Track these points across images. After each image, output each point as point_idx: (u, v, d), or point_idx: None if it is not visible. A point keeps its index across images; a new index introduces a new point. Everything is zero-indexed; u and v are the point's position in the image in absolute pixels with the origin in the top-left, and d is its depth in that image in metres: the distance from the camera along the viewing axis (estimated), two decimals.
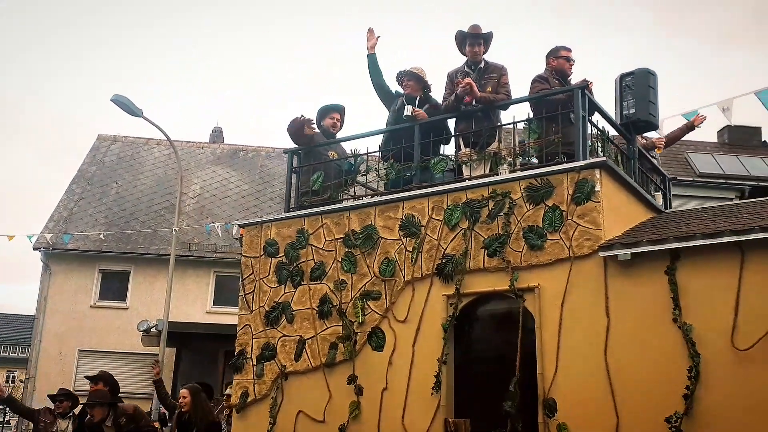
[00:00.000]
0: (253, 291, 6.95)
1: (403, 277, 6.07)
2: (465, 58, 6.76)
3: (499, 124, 6.33)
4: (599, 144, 6.02)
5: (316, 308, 6.49)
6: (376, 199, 6.49)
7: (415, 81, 7.08)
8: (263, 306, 6.84)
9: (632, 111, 6.61)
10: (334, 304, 6.39)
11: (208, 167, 23.10)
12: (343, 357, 6.20)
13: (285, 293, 6.74)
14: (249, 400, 6.63)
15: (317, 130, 7.26)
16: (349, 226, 6.51)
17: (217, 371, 17.02)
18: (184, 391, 7.18)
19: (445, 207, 5.99)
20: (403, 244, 6.16)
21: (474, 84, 6.22)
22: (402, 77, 7.17)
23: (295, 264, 6.74)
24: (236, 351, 6.90)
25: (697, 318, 4.68)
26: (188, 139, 24.92)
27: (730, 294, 4.60)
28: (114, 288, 19.75)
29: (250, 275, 7.03)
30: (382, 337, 6.06)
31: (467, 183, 5.97)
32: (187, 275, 19.21)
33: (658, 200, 6.66)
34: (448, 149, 7.06)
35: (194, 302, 19.20)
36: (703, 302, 4.69)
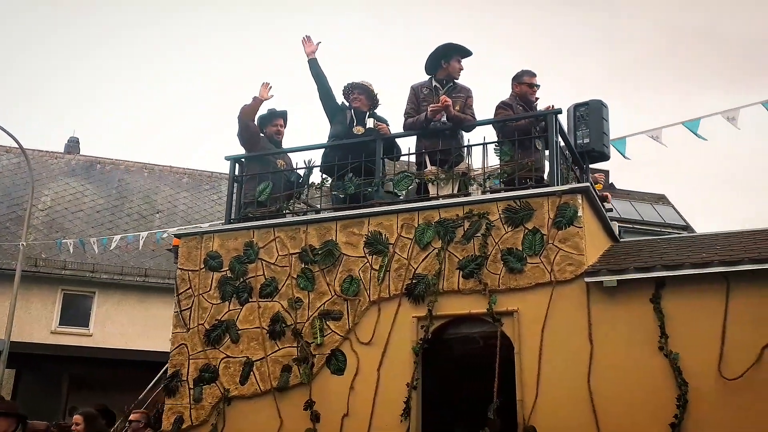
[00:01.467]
0: (191, 307, 6.36)
1: (368, 296, 5.77)
2: (428, 75, 6.63)
3: (467, 143, 6.22)
4: (568, 171, 6.06)
5: (267, 327, 6.03)
6: (338, 213, 6.16)
7: (366, 95, 6.86)
8: (203, 324, 6.27)
9: (586, 141, 6.74)
10: (288, 323, 5.96)
11: (61, 179, 21.63)
12: (298, 381, 5.78)
13: (229, 311, 6.22)
14: (184, 426, 6.01)
15: (272, 95, 6.81)
16: (307, 241, 6.13)
17: (60, 395, 16.13)
18: (77, 417, 6.40)
19: (416, 225, 5.78)
20: (368, 261, 5.86)
21: (450, 102, 6.09)
22: (352, 90, 6.93)
23: (242, 279, 6.25)
24: (169, 372, 6.27)
25: (684, 346, 4.74)
26: (41, 147, 23.23)
27: (716, 322, 4.70)
28: None
29: (186, 290, 6.43)
30: (343, 360, 5.70)
31: (441, 201, 5.80)
32: (32, 292, 17.55)
33: (615, 229, 6.81)
34: (396, 166, 6.89)
35: (38, 321, 17.63)
36: (689, 331, 4.76)
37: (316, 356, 5.78)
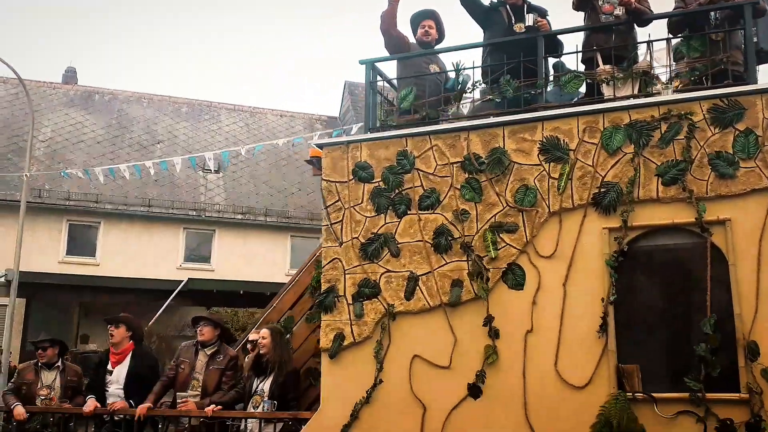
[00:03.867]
0: (341, 220, 6.00)
1: (548, 207, 5.37)
2: None
3: (649, 39, 5.65)
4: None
5: (431, 241, 5.67)
6: (505, 118, 5.67)
7: None
8: (357, 237, 5.92)
9: (754, 40, 6.15)
10: (455, 236, 5.60)
11: (61, 110, 21.54)
12: (471, 296, 5.47)
13: (386, 223, 5.85)
14: (346, 343, 5.76)
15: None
16: (469, 149, 5.68)
17: (71, 323, 16.62)
18: (264, 331, 6.23)
19: (602, 129, 5.30)
20: (545, 169, 5.43)
21: None
22: None
23: (397, 191, 5.85)
24: (323, 288, 5.97)
25: None
26: (38, 78, 23.31)
27: None
28: None
29: (335, 202, 6.05)
30: (522, 275, 5.36)
31: (631, 102, 5.29)
32: (38, 223, 17.78)
33: None
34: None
35: (45, 252, 17.87)
36: None
37: (491, 270, 5.45)
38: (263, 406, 5.99)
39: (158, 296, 16.51)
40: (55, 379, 6.58)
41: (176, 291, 16.50)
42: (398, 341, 5.63)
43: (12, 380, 6.98)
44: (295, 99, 54.83)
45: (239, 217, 20.60)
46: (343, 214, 6.00)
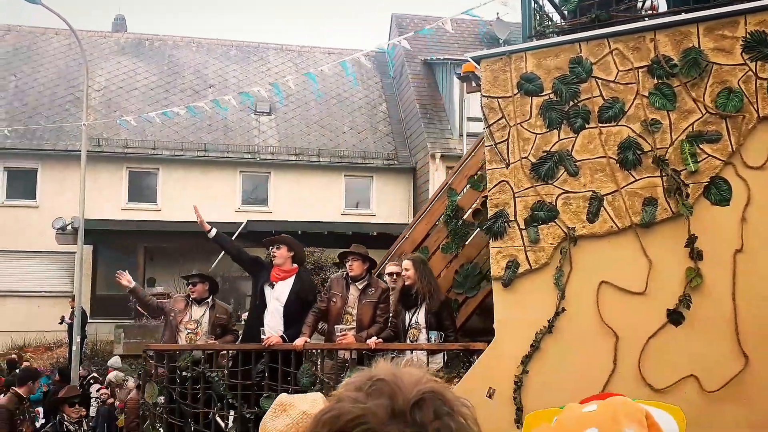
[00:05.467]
0: (507, 139, 5.49)
1: (756, 112, 4.80)
2: None
3: None
4: None
5: (615, 156, 5.16)
6: (698, 14, 5.05)
7: None
8: (526, 157, 5.42)
9: None
10: (645, 150, 5.07)
11: (113, 58, 21.79)
12: (666, 215, 4.97)
13: (560, 140, 5.34)
14: (521, 270, 5.33)
15: None
16: (657, 50, 5.09)
17: (137, 267, 16.96)
18: (406, 263, 5.86)
19: None
20: (750, 69, 4.84)
21: None
22: None
23: (572, 103, 5.31)
24: (490, 213, 5.52)
25: None
26: (88, 28, 23.78)
27: None
28: (22, 186, 18.81)
29: (498, 120, 5.53)
30: (727, 189, 4.84)
31: None
32: (98, 171, 18.24)
33: None
34: None
35: (108, 199, 18.30)
36: None
37: (690, 186, 4.93)
38: (431, 338, 5.64)
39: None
40: (203, 314, 6.42)
41: (236, 233, 16.61)
42: (581, 267, 5.18)
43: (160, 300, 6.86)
44: (341, 36, 53.77)
45: (293, 158, 20.51)
46: (509, 132, 5.49)
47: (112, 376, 11.82)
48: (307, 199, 19.98)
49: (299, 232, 17.52)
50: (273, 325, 6.12)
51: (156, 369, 6.16)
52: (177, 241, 17.00)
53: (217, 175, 19.80)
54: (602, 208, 5.14)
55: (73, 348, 12.75)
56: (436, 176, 19.50)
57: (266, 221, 18.23)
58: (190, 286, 6.62)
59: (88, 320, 15.46)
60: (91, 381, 12.00)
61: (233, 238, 16.84)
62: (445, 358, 5.71)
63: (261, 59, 23.31)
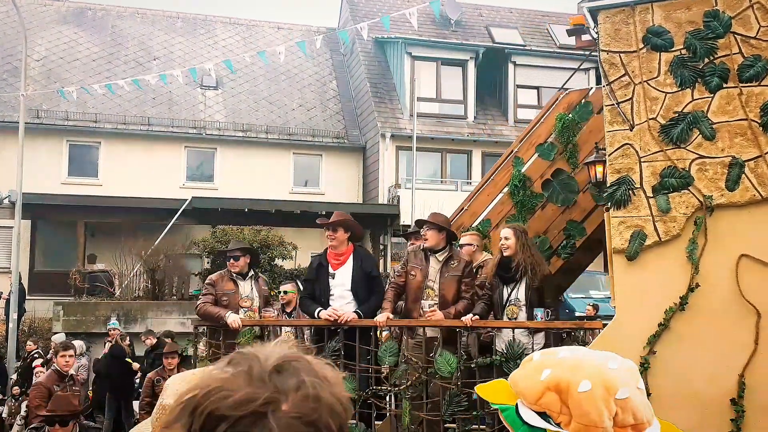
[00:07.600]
0: (631, 98, 4.99)
1: None
2: None
3: None
4: None
5: (758, 119, 4.75)
6: None
7: None
8: (654, 118, 4.94)
9: None
10: None
11: (53, 27, 20.70)
12: None
13: (693, 100, 4.88)
14: (649, 242, 4.85)
15: None
16: None
17: (77, 243, 16.37)
18: (507, 231, 5.28)
19: None
20: None
21: None
22: None
23: (707, 60, 4.86)
24: (611, 179, 5.00)
25: None
26: None
27: None
28: None
29: (620, 77, 5.02)
30: None
31: None
32: (38, 144, 17.31)
33: None
34: None
35: (47, 173, 17.27)
36: None
37: None
38: (537, 315, 5.08)
39: (162, 215, 16.46)
40: (252, 289, 5.61)
41: (181, 210, 15.84)
42: (719, 239, 4.75)
43: (203, 292, 5.90)
44: (290, 11, 51.68)
45: (240, 134, 19.61)
46: (633, 90, 4.99)
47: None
48: (254, 177, 19.09)
49: (246, 210, 16.80)
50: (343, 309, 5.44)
51: (209, 346, 5.33)
52: (118, 216, 16.40)
53: (161, 151, 18.69)
54: (743, 175, 4.73)
55: (10, 325, 12.29)
56: (386, 156, 19.01)
57: (212, 198, 17.87)
58: (231, 261, 5.81)
59: (26, 297, 14.01)
60: (35, 356, 10.80)
61: (178, 214, 15.93)
62: (550, 339, 5.17)
63: (208, 32, 22.13)
